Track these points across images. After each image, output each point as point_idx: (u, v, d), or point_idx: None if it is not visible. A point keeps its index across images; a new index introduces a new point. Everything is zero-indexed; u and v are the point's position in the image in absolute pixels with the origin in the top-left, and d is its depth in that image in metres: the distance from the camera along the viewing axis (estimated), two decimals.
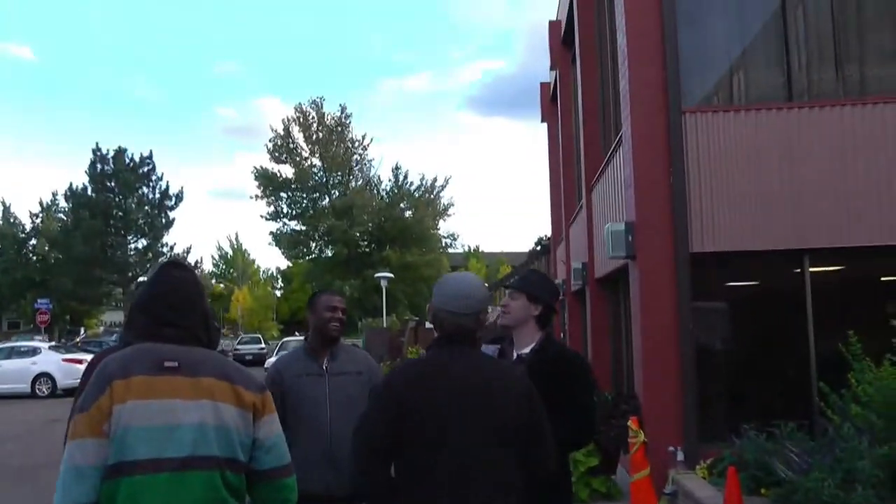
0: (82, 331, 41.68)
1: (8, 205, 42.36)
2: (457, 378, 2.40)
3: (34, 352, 20.67)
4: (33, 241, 43.11)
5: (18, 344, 22.34)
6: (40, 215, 43.41)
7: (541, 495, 2.90)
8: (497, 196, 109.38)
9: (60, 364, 20.26)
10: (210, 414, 1.98)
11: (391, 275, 31.91)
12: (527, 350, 3.12)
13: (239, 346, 33.73)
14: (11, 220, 42.77)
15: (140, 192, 42.01)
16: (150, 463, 1.91)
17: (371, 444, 2.42)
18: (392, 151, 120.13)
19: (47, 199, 43.93)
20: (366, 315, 34.42)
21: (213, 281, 50.87)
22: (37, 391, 19.85)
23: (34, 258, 41.81)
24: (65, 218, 41.28)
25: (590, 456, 7.40)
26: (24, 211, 50.71)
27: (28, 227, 43.54)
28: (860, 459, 4.61)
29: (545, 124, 17.80)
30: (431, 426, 2.35)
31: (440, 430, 2.34)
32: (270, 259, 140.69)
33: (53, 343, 24.31)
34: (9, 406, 17.01)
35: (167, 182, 42.30)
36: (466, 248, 53.56)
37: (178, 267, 2.24)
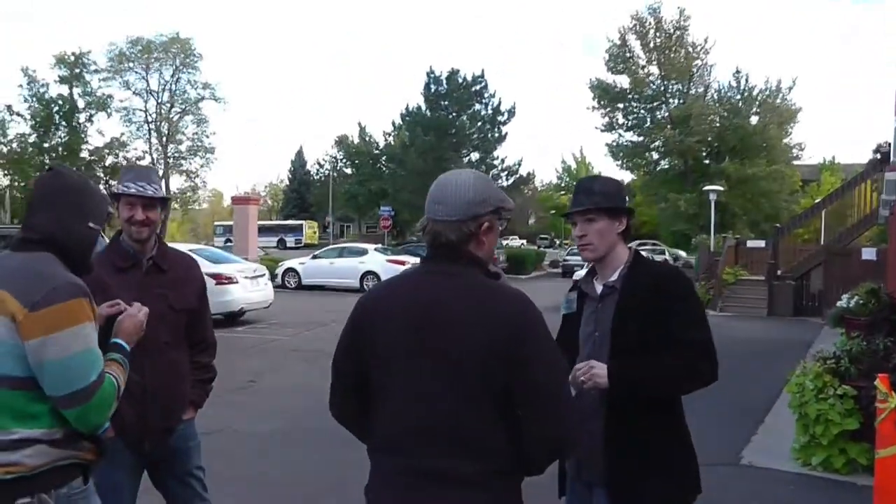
0: None
1: (364, 125, 48.81)
2: (414, 300, 1.86)
3: (362, 252, 23.44)
4: (385, 158, 48.88)
5: (350, 245, 25.59)
6: (392, 134, 48.93)
7: (648, 452, 2.32)
8: (855, 100, 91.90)
9: (384, 264, 22.68)
10: None
11: (720, 188, 29.30)
12: (614, 277, 2.43)
13: (568, 258, 34.33)
14: (367, 139, 49.11)
15: (472, 108, 44.79)
16: None
17: (336, 369, 2.05)
18: (732, 54, 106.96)
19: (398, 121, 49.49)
20: (702, 231, 32.35)
21: (558, 193, 52.18)
22: (364, 287, 22.40)
23: (385, 171, 47.52)
24: (408, 133, 45.94)
25: (848, 416, 5.93)
26: (379, 131, 57.97)
27: (381, 144, 49.41)
28: None
29: None
30: (379, 360, 1.88)
31: (387, 365, 1.87)
32: (611, 172, 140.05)
33: (380, 246, 27.32)
34: (338, 297, 19.49)
35: (499, 99, 44.29)
36: (822, 160, 46.70)
37: (48, 171, 2.16)
